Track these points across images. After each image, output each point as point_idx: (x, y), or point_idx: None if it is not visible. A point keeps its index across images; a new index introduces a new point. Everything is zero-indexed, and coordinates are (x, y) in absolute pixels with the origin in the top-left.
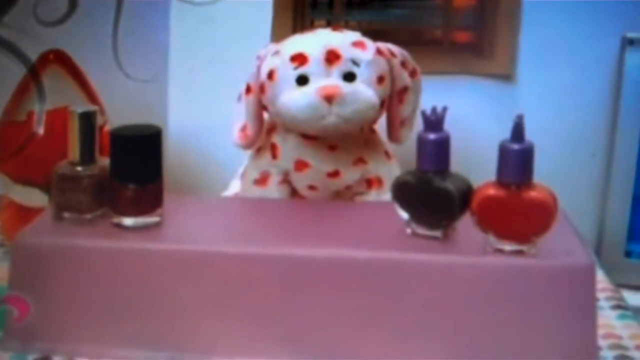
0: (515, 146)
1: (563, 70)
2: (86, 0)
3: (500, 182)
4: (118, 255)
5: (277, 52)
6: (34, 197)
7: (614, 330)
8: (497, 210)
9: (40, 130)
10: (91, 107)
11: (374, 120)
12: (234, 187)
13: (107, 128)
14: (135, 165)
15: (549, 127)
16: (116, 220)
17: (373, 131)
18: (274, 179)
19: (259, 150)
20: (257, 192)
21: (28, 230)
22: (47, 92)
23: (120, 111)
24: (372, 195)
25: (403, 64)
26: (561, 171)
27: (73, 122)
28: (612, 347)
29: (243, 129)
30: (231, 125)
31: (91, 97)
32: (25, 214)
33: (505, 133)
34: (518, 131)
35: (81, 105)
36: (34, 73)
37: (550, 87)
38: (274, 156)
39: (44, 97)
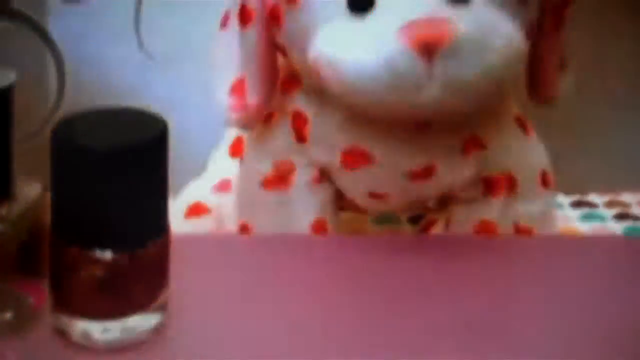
0: None
1: None
2: None
3: None
4: None
5: None
6: None
7: None
8: None
9: None
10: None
11: (516, 77)
12: (208, 181)
13: None
14: (115, 210)
15: None
16: (68, 326)
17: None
18: (302, 176)
19: (266, 122)
20: (270, 199)
21: None
22: None
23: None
24: (496, 210)
25: None
26: None
27: None
28: None
29: (238, 89)
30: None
31: None
32: None
33: None
34: None
35: None
36: None
37: None
38: (300, 136)
39: None
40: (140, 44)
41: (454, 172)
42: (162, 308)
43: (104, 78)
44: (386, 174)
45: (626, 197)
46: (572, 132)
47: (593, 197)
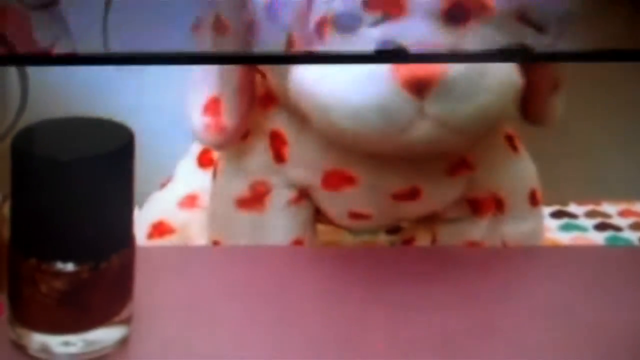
0: None
1: None
2: None
3: None
4: None
5: None
6: None
7: None
8: None
9: None
10: None
11: (511, 113)
12: (174, 193)
13: None
14: (77, 221)
15: None
16: (26, 339)
17: None
18: (279, 198)
19: (242, 139)
20: (244, 220)
21: None
22: None
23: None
24: (482, 230)
25: None
26: None
27: None
28: None
29: (213, 108)
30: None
31: None
32: None
33: None
34: None
35: None
36: None
37: None
38: (279, 156)
39: None
40: (107, 49)
41: (441, 194)
42: (127, 321)
43: (69, 85)
44: (369, 195)
45: (607, 207)
46: (552, 142)
47: (573, 208)
